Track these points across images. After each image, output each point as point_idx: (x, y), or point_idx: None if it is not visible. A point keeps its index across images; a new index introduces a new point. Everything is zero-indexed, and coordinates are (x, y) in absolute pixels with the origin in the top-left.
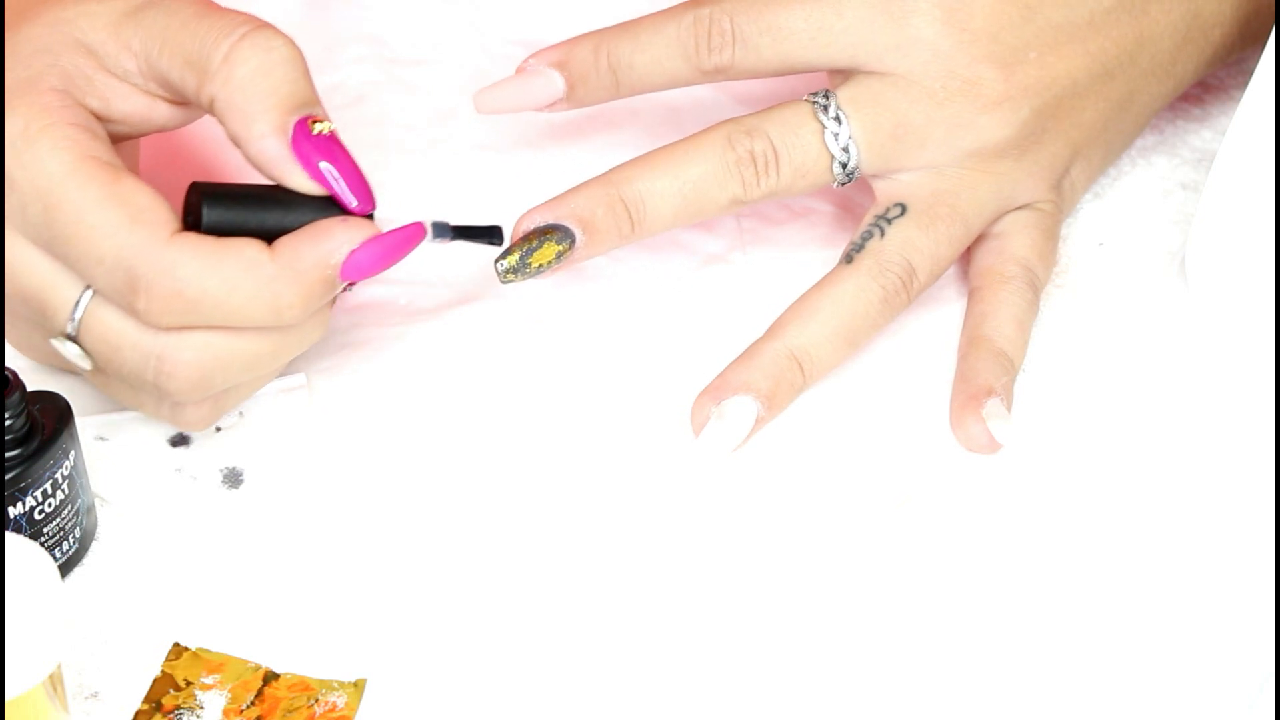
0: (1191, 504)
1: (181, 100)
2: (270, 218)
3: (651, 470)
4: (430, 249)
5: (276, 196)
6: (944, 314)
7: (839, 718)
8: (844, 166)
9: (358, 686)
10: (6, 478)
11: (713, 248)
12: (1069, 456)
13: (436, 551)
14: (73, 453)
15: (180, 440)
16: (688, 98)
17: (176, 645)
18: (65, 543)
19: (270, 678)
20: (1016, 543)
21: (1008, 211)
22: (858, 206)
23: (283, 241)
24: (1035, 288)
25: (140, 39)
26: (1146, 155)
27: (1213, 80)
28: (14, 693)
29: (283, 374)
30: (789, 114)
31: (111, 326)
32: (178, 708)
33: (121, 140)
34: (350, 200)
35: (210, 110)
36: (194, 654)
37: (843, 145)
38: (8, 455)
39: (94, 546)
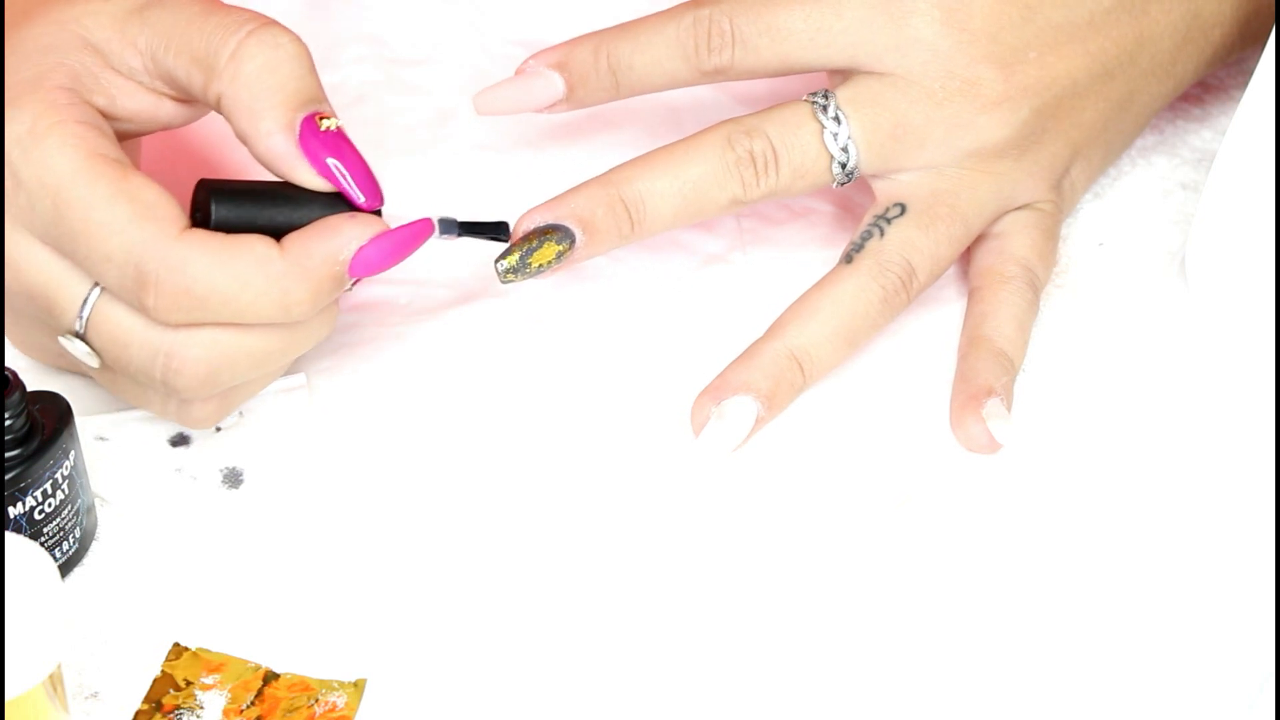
0: (1191, 504)
1: (187, 98)
2: (278, 214)
3: (652, 470)
4: (433, 247)
5: (284, 193)
6: (944, 314)
7: (839, 718)
8: (843, 166)
9: (358, 686)
10: (6, 478)
11: (713, 248)
12: (1069, 456)
13: (436, 551)
14: (73, 453)
15: (180, 440)
16: (688, 98)
17: (176, 645)
18: (65, 543)
19: (270, 678)
20: (1016, 543)
21: (1008, 211)
22: (858, 206)
23: (292, 238)
24: (1035, 288)
25: (146, 37)
26: (1146, 155)
27: (1213, 80)
28: (14, 693)
29: (283, 374)
30: (788, 114)
31: (120, 324)
32: (178, 708)
33: (127, 138)
34: (358, 196)
35: (217, 107)
36: (194, 654)
37: (842, 145)
38: (8, 455)
39: (94, 546)
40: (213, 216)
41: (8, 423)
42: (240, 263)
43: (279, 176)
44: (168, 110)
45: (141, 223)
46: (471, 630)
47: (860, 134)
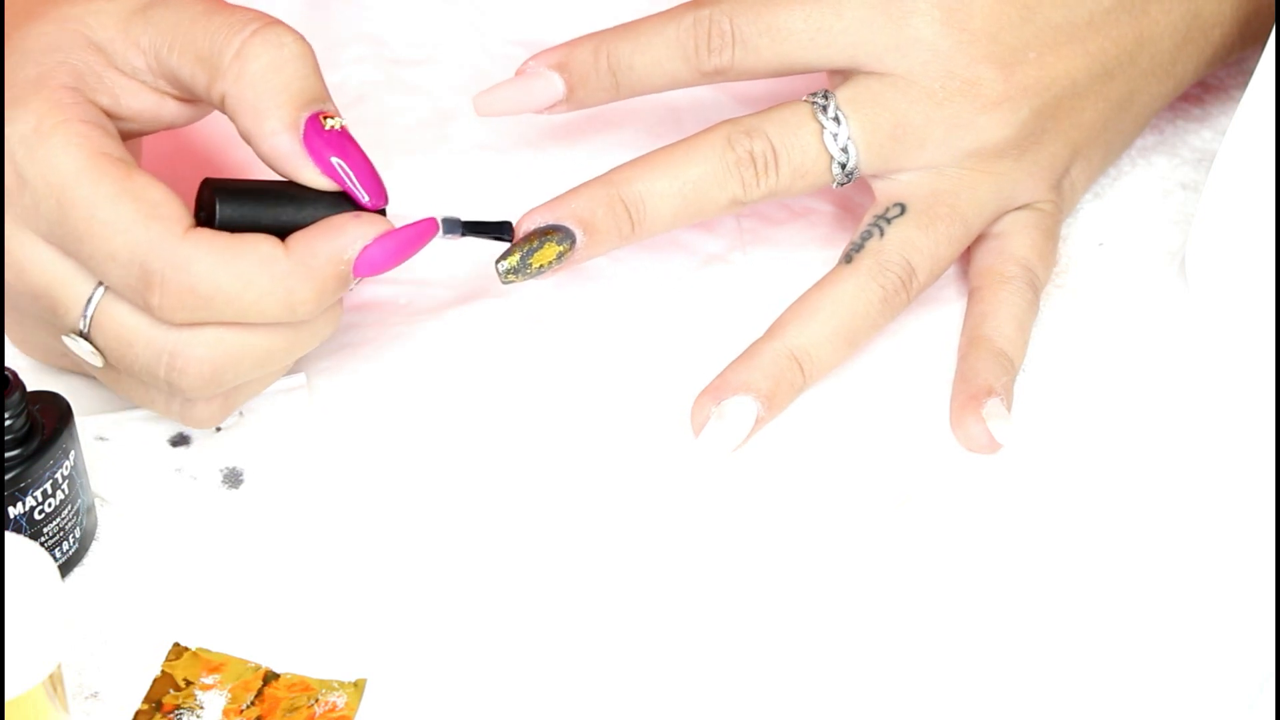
0: (1191, 504)
1: (191, 97)
2: (283, 213)
3: (652, 470)
4: (435, 247)
5: (289, 192)
6: (944, 314)
7: (839, 718)
8: (843, 167)
9: (358, 686)
10: (6, 478)
11: (713, 248)
12: (1069, 456)
13: (436, 551)
14: (73, 453)
15: (180, 440)
16: (688, 98)
17: (176, 645)
18: (65, 543)
19: (270, 678)
20: (1016, 543)
21: (1008, 211)
22: (858, 206)
23: (296, 237)
24: (1035, 288)
25: (149, 36)
26: (1146, 155)
27: (1213, 80)
28: (14, 693)
29: (285, 373)
30: (788, 114)
31: (124, 323)
32: (178, 708)
33: (130, 137)
34: (362, 195)
35: (221, 107)
36: (194, 654)
37: (842, 146)
38: (8, 455)
39: (94, 546)
40: (218, 216)
41: (8, 423)
42: (245, 262)
43: (283, 176)
44: (171, 109)
45: (146, 222)
46: (471, 630)
47: (860, 134)
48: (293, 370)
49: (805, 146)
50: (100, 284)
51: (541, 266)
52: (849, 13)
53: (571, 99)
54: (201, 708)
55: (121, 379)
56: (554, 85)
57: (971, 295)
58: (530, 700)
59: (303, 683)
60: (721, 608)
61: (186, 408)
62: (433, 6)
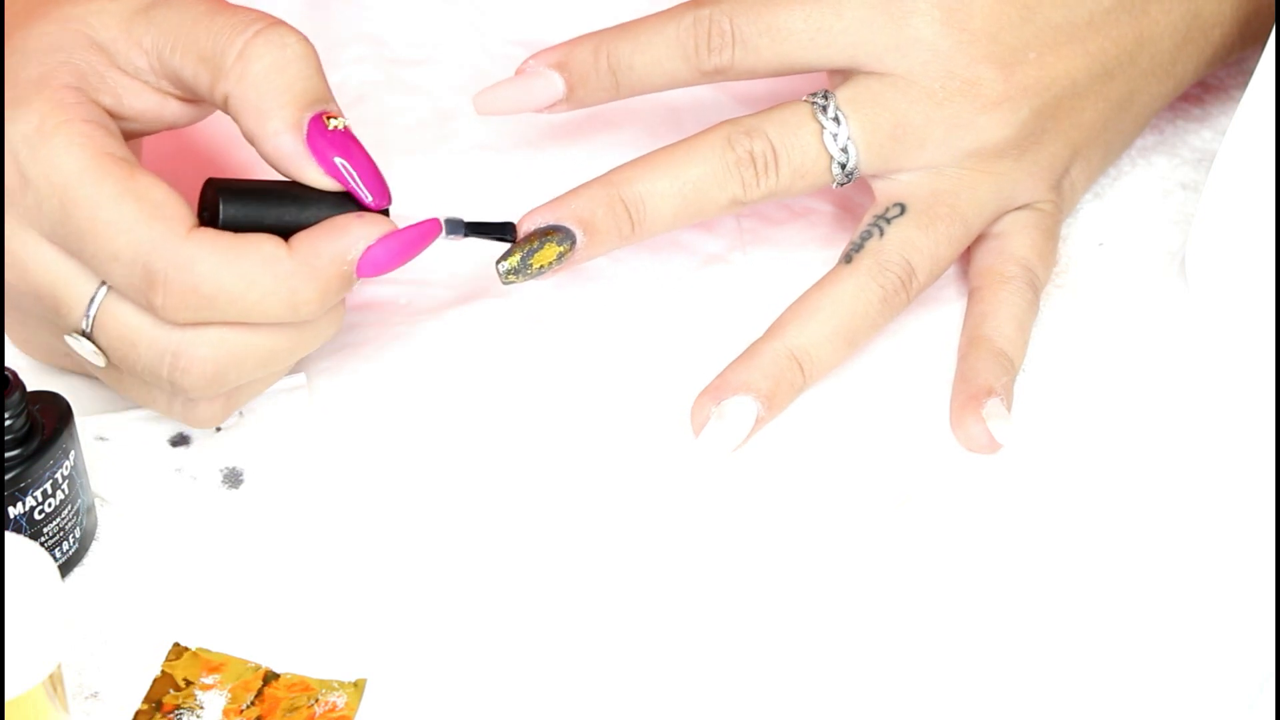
0: (1191, 504)
1: (193, 97)
2: (286, 213)
3: (652, 470)
4: (437, 247)
5: (292, 192)
6: (944, 314)
7: (839, 718)
8: (843, 167)
9: (358, 686)
10: (6, 478)
11: (713, 248)
12: (1069, 456)
13: (436, 552)
14: (73, 453)
15: (180, 440)
16: (688, 98)
17: (176, 645)
18: (65, 543)
19: (270, 678)
20: (1017, 543)
21: (1007, 211)
22: (858, 206)
23: (300, 237)
24: (1035, 288)
25: (152, 36)
26: (1146, 155)
27: (1213, 80)
28: (14, 693)
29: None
30: (788, 114)
31: (127, 323)
32: (178, 708)
33: (132, 137)
34: (366, 196)
35: (224, 107)
36: (194, 654)
37: (842, 146)
38: (8, 455)
39: (94, 546)
40: (221, 215)
41: (8, 423)
42: (248, 262)
43: (286, 176)
44: (173, 110)
45: (149, 221)
46: (471, 630)
47: (860, 134)
48: (293, 370)
49: (805, 147)
50: (103, 284)
51: (542, 267)
52: (849, 13)
53: (571, 98)
54: (201, 708)
55: (124, 379)
56: (554, 84)
57: (971, 295)
58: (530, 700)
59: (303, 683)
60: (722, 607)
61: (189, 408)
62: (433, 6)
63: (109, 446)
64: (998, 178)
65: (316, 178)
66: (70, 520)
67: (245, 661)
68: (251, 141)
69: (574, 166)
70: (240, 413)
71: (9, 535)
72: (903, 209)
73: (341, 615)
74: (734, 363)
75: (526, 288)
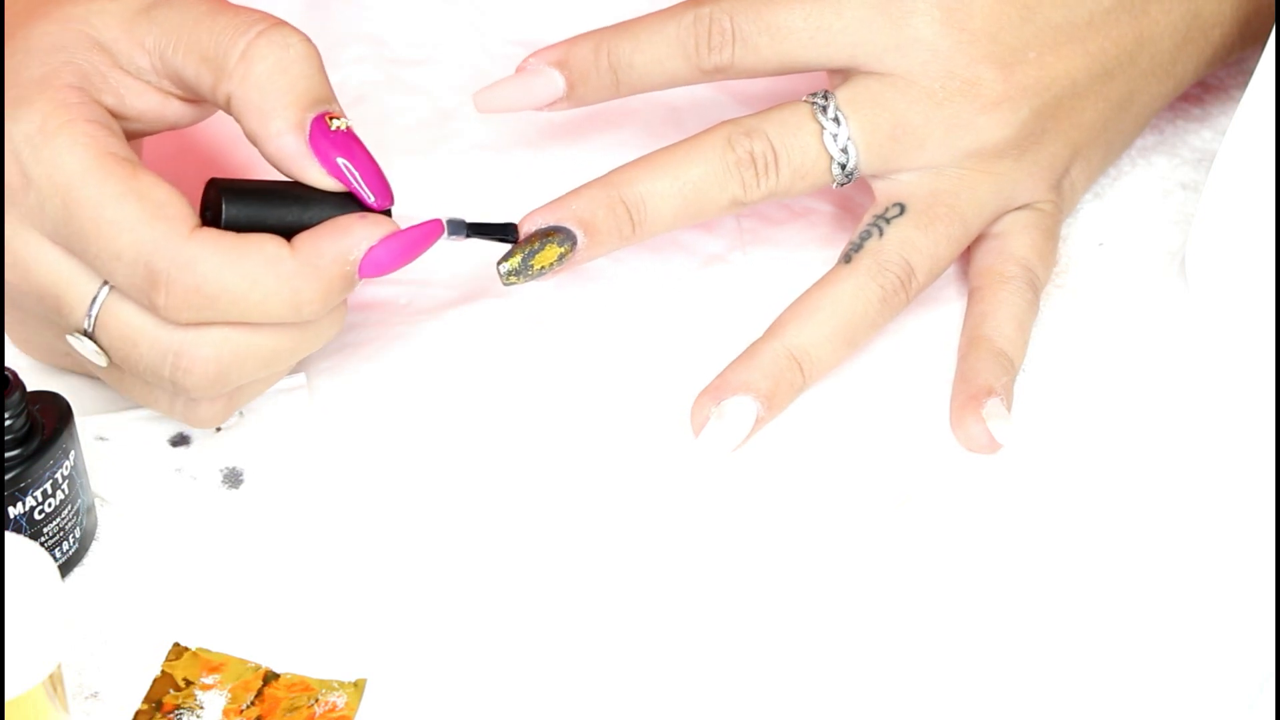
0: (1191, 504)
1: (195, 97)
2: (289, 214)
3: (652, 470)
4: (438, 247)
5: (295, 193)
6: (944, 314)
7: (839, 718)
8: (843, 167)
9: (358, 686)
10: (6, 478)
11: (713, 248)
12: (1069, 456)
13: (436, 552)
14: (73, 453)
15: (180, 440)
16: (688, 98)
17: (176, 645)
18: (65, 543)
19: (270, 678)
20: (1017, 543)
21: (1007, 211)
22: (858, 206)
23: (303, 237)
24: (1035, 288)
25: (154, 36)
26: (1146, 155)
27: (1213, 80)
28: (14, 693)
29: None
30: (788, 115)
31: (129, 322)
32: (178, 708)
33: (134, 137)
34: (368, 196)
35: (226, 108)
36: (194, 654)
37: (841, 146)
38: (8, 455)
39: (94, 546)
40: (223, 215)
41: (8, 423)
42: (250, 262)
43: (289, 176)
44: (175, 110)
45: (152, 221)
46: (471, 630)
47: (860, 135)
48: (294, 370)
49: (805, 147)
50: (105, 283)
51: (543, 268)
52: (849, 12)
53: (572, 96)
54: (201, 708)
55: (125, 378)
56: (554, 82)
57: (971, 295)
58: (530, 700)
59: (303, 683)
60: (722, 607)
61: (190, 407)
62: (433, 6)
63: (109, 446)
64: (997, 178)
65: (319, 178)
66: (70, 520)
67: (245, 661)
68: (254, 142)
69: (574, 166)
70: (240, 413)
71: (9, 535)
72: (902, 209)
73: (341, 615)
74: (734, 363)
75: (527, 288)
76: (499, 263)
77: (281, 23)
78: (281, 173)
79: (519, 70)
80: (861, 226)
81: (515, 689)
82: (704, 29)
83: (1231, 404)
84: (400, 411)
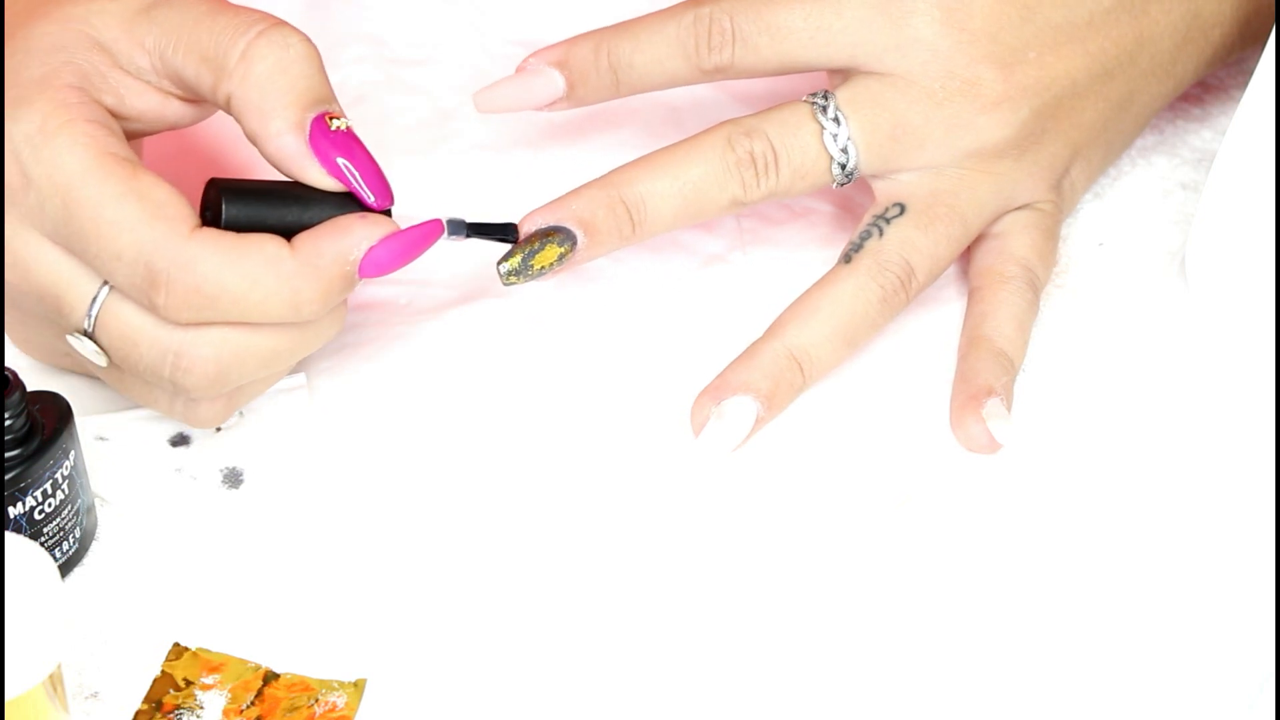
0: (1191, 504)
1: (195, 97)
2: (289, 214)
3: (651, 470)
4: (438, 247)
5: (295, 193)
6: (944, 314)
7: (839, 718)
8: (843, 167)
9: (358, 686)
10: (6, 478)
11: (713, 248)
12: (1069, 456)
13: (437, 552)
14: (73, 453)
15: (180, 440)
16: (688, 98)
17: (176, 645)
18: (65, 543)
19: (270, 678)
20: (1017, 543)
21: (1007, 211)
22: (858, 206)
23: (303, 237)
24: (1035, 288)
25: (154, 36)
26: (1146, 155)
27: (1213, 80)
28: (14, 693)
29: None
30: (788, 115)
31: (129, 322)
32: (178, 708)
33: (134, 137)
34: (368, 196)
35: (226, 108)
36: (194, 654)
37: (841, 146)
38: (8, 455)
39: (94, 546)
40: (223, 215)
41: (8, 423)
42: (250, 262)
43: (289, 176)
44: (175, 110)
45: (152, 221)
46: (471, 630)
47: (860, 135)
48: (294, 370)
49: (805, 147)
50: (105, 283)
51: (543, 268)
52: (849, 12)
53: (572, 96)
54: (201, 708)
55: (125, 378)
56: (554, 82)
57: (971, 295)
58: (530, 700)
59: (303, 683)
60: (722, 607)
61: (190, 407)
62: (433, 6)
63: (109, 446)
64: (997, 178)
65: (319, 178)
66: (70, 520)
67: (245, 661)
68: (254, 142)
69: (574, 166)
70: (240, 413)
71: (9, 535)
72: (902, 209)
73: (341, 615)
74: (734, 363)
75: (527, 288)
76: (499, 263)
77: (281, 23)
78: (281, 173)
79: (519, 70)
80: (861, 226)
81: (515, 689)
82: (704, 29)
83: (1231, 404)
84: (400, 411)
